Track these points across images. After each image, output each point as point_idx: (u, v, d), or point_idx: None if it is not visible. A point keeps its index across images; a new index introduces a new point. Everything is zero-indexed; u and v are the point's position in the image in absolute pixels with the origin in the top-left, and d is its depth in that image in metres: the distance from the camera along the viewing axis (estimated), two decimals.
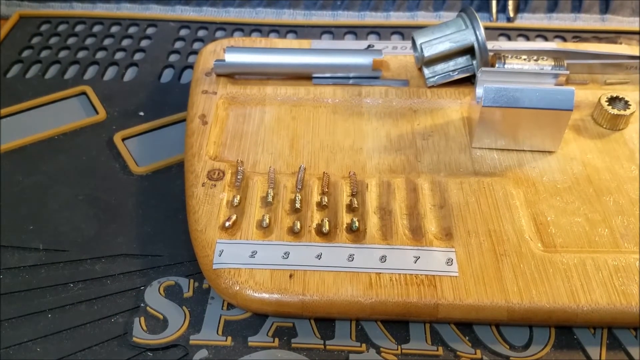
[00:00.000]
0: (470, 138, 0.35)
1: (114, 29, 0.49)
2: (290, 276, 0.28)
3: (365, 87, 0.39)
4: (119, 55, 0.46)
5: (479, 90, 0.34)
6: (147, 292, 0.30)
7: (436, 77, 0.38)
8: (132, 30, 0.49)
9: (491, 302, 0.28)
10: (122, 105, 0.41)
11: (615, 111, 0.36)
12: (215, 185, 0.32)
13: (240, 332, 0.29)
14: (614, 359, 0.28)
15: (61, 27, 0.49)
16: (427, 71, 0.39)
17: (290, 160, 0.34)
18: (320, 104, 0.38)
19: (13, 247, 0.32)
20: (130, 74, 0.45)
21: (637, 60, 0.39)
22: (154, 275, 0.31)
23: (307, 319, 0.29)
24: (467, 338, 0.28)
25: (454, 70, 0.38)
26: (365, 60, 0.39)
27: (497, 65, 0.37)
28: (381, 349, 0.28)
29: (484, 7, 0.51)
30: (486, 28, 0.38)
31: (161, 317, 0.29)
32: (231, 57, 0.39)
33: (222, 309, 0.29)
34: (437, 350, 0.28)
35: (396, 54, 0.42)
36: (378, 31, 0.49)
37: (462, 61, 0.38)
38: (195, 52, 0.47)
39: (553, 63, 0.36)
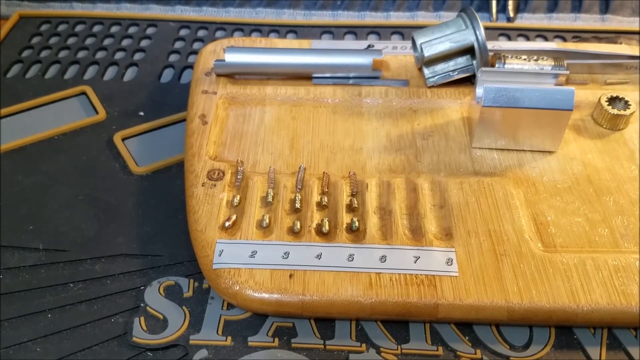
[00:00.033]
0: (470, 138, 0.35)
1: (114, 29, 0.49)
2: (290, 276, 0.28)
3: (365, 87, 0.39)
4: (119, 55, 0.46)
5: (479, 90, 0.34)
6: (147, 292, 0.30)
7: (436, 77, 0.38)
8: (132, 30, 0.49)
9: (491, 302, 0.28)
10: (122, 105, 0.41)
11: (615, 111, 0.36)
12: (215, 185, 0.32)
13: (240, 332, 0.29)
14: (614, 359, 0.28)
15: (61, 27, 0.49)
16: (427, 71, 0.39)
17: (290, 160, 0.34)
18: (320, 104, 0.38)
19: (13, 247, 0.32)
20: (130, 74, 0.45)
21: (637, 60, 0.39)
22: (154, 275, 0.31)
23: (307, 319, 0.29)
24: (467, 338, 0.28)
25: (454, 70, 0.38)
26: (365, 60, 0.39)
27: (497, 65, 0.37)
28: (381, 349, 0.28)
29: (484, 7, 0.51)
30: (486, 28, 0.38)
31: (161, 317, 0.29)
32: (231, 57, 0.39)
33: (222, 309, 0.29)
34: (437, 350, 0.28)
35: (396, 54, 0.42)
36: (378, 31, 0.49)
37: (462, 61, 0.38)
38: (195, 52, 0.47)
39: (553, 63, 0.36)
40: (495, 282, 0.28)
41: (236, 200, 0.32)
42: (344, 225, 0.31)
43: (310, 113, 0.38)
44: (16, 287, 0.30)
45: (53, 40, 0.48)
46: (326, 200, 0.32)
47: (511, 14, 0.50)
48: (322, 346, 0.28)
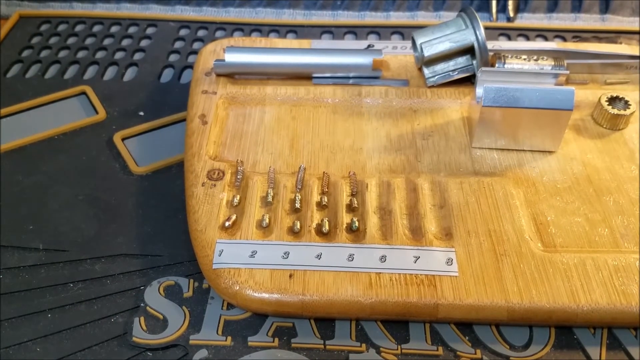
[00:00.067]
0: (470, 138, 0.35)
1: (114, 28, 0.49)
2: (290, 276, 0.28)
3: (365, 87, 0.39)
4: (118, 55, 0.46)
5: (479, 90, 0.34)
6: (147, 292, 0.30)
7: (436, 77, 0.38)
8: (132, 30, 0.49)
9: (491, 302, 0.28)
10: (122, 105, 0.41)
11: (615, 111, 0.36)
12: (215, 185, 0.32)
13: (240, 332, 0.29)
14: (614, 359, 0.28)
15: (61, 27, 0.49)
16: (427, 71, 0.39)
17: (290, 160, 0.34)
18: (320, 104, 0.38)
19: (13, 247, 0.32)
20: (130, 73, 0.45)
21: (637, 60, 0.39)
22: (154, 275, 0.31)
23: (307, 319, 0.29)
24: (467, 338, 0.28)
25: (454, 70, 0.38)
26: (365, 60, 0.39)
27: (497, 65, 0.37)
28: (381, 349, 0.28)
29: (484, 7, 0.51)
30: (486, 28, 0.38)
31: (161, 317, 0.29)
32: (231, 57, 0.39)
33: (222, 308, 0.29)
34: (437, 350, 0.28)
35: (396, 54, 0.42)
36: (378, 31, 0.49)
37: (462, 61, 0.38)
38: (195, 52, 0.47)
39: (553, 63, 0.36)
40: (495, 282, 0.28)
41: (236, 200, 0.32)
42: (344, 225, 0.31)
43: (310, 113, 0.38)
44: (16, 287, 0.30)
45: (53, 40, 0.48)
46: (326, 200, 0.32)
47: (511, 14, 0.50)
48: (322, 346, 0.28)
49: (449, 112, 0.37)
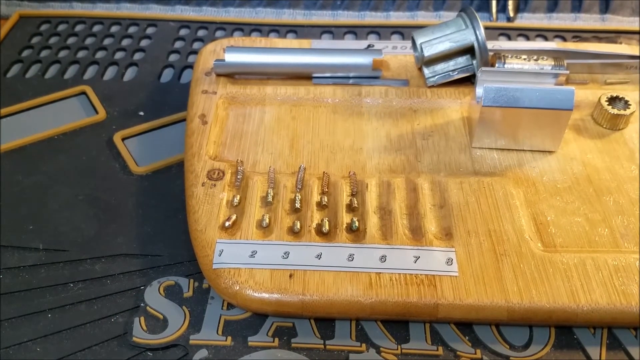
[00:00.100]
0: (470, 138, 0.35)
1: (114, 28, 0.49)
2: (290, 276, 0.28)
3: (365, 87, 0.39)
4: (118, 55, 0.46)
5: (479, 90, 0.34)
6: (147, 292, 0.30)
7: (436, 77, 0.38)
8: (132, 30, 0.49)
9: (491, 302, 0.28)
10: (122, 105, 0.41)
11: (615, 111, 0.36)
12: (215, 185, 0.32)
13: (240, 332, 0.29)
14: (614, 359, 0.28)
15: (61, 27, 0.49)
16: (427, 71, 0.39)
17: (290, 160, 0.34)
18: (320, 103, 0.38)
19: (13, 247, 0.32)
20: (130, 73, 0.45)
21: (637, 60, 0.39)
22: (154, 275, 0.31)
23: (307, 318, 0.29)
24: (467, 338, 0.28)
25: (454, 70, 0.38)
26: (365, 60, 0.39)
27: (497, 65, 0.37)
28: (381, 349, 0.28)
29: (484, 7, 0.51)
30: (486, 28, 0.38)
31: (161, 317, 0.29)
32: (231, 57, 0.39)
33: (222, 308, 0.29)
34: (437, 350, 0.28)
35: (396, 54, 0.42)
36: (378, 31, 0.49)
37: (462, 61, 0.38)
38: (195, 52, 0.47)
39: (553, 63, 0.36)
40: (495, 282, 0.28)
41: (236, 200, 0.32)
42: (344, 225, 0.31)
43: (310, 113, 0.38)
44: (16, 287, 0.30)
45: (53, 40, 0.48)
46: (326, 200, 0.32)
47: (511, 14, 0.50)
48: (322, 346, 0.28)
49: (449, 112, 0.37)
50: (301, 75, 0.39)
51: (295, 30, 0.49)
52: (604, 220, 0.31)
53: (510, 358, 0.28)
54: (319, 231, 0.30)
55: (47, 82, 0.43)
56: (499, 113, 0.33)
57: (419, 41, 0.38)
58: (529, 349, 0.28)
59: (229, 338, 0.28)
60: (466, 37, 0.37)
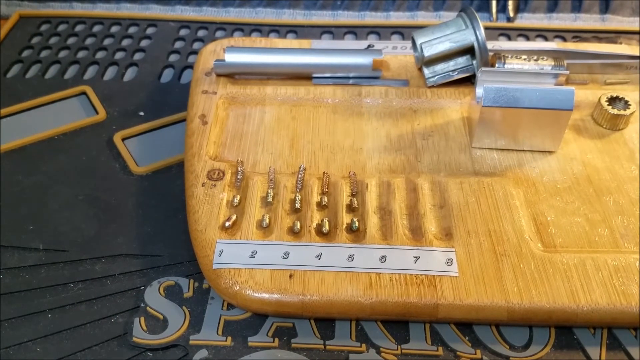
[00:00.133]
0: (470, 138, 0.35)
1: (114, 29, 0.49)
2: (290, 276, 0.28)
3: (365, 87, 0.39)
4: (119, 55, 0.46)
5: (479, 90, 0.34)
6: (147, 292, 0.30)
7: (436, 77, 0.38)
8: (132, 30, 0.49)
9: (491, 302, 0.28)
10: (122, 105, 0.41)
11: (615, 111, 0.36)
12: (215, 185, 0.32)
13: (240, 332, 0.29)
14: (614, 359, 0.28)
15: (61, 27, 0.49)
16: (427, 71, 0.39)
17: (290, 160, 0.34)
18: (320, 104, 0.38)
19: (13, 247, 0.32)
20: (130, 74, 0.45)
21: (637, 60, 0.39)
22: (154, 275, 0.31)
23: (307, 319, 0.29)
24: (467, 338, 0.28)
25: (454, 70, 0.38)
26: (365, 60, 0.39)
27: (497, 65, 0.37)
28: (381, 349, 0.28)
29: (484, 7, 0.51)
30: (486, 28, 0.38)
31: (161, 317, 0.29)
32: (231, 57, 0.39)
33: (222, 309, 0.29)
34: (437, 350, 0.28)
35: (396, 54, 0.42)
36: (378, 31, 0.49)
37: (462, 61, 0.38)
38: (195, 52, 0.47)
39: (553, 63, 0.36)
40: (495, 282, 0.28)
41: (236, 200, 0.32)
42: (344, 225, 0.31)
43: (310, 113, 0.38)
44: (16, 287, 0.30)
45: (53, 40, 0.48)
46: (326, 200, 0.32)
47: (511, 14, 0.50)
48: (322, 346, 0.28)
49: (449, 112, 0.37)
50: (301, 76, 0.39)
51: (295, 30, 0.49)
52: (604, 221, 0.31)
53: (510, 358, 0.28)
54: (319, 231, 0.30)
55: (47, 82, 0.43)
56: (499, 113, 0.33)
57: (419, 41, 0.38)
58: (529, 349, 0.28)
59: (229, 338, 0.28)
60: (466, 37, 0.37)
